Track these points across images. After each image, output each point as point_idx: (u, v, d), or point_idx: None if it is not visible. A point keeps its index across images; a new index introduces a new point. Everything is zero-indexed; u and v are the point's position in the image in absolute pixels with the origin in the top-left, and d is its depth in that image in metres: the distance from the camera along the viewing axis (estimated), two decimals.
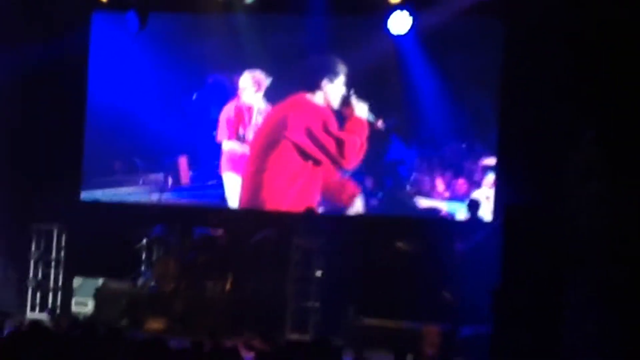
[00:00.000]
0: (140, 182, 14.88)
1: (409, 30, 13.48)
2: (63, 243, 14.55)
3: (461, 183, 13.97)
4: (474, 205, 13.63)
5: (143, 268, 14.10)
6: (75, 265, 14.31)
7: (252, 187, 14.49)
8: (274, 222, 14.03)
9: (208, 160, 14.77)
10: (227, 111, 14.63)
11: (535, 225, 10.84)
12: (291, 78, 14.39)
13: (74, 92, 14.89)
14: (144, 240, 14.08)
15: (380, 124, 14.01)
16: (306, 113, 14.27)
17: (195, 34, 14.69)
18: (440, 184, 14.05)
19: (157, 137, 14.78)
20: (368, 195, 14.24)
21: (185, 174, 14.77)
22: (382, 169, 14.32)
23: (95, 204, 14.81)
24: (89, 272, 14.06)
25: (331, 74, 14.12)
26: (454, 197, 13.98)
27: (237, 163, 14.58)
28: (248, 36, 14.41)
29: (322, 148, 14.20)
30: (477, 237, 13.21)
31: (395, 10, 13.46)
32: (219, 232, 14.03)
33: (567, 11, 12.05)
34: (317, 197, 14.27)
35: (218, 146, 14.65)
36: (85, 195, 14.93)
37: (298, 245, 13.32)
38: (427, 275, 13.07)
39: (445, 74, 13.78)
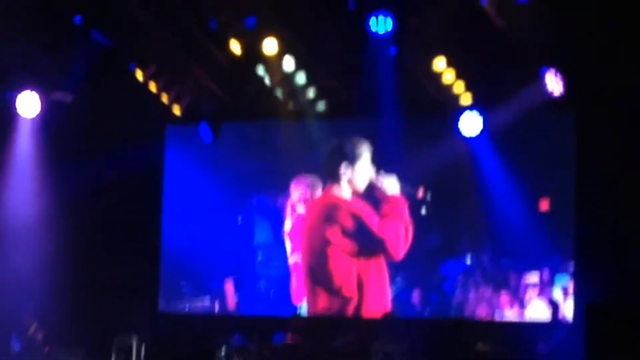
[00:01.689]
0: (187, 308, 14.97)
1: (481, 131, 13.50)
2: (142, 355, 14.56)
3: (504, 297, 13.79)
4: (554, 306, 13.41)
5: None
6: None
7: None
8: (353, 328, 13.92)
9: (252, 285, 14.75)
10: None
11: (619, 324, 10.61)
12: None
13: (150, 205, 15.12)
14: (223, 350, 14.04)
15: (421, 193, 13.46)
16: (335, 212, 13.40)
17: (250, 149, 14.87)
18: (487, 300, 13.88)
19: (204, 260, 14.87)
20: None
21: (231, 298, 14.77)
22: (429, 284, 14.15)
23: (174, 315, 14.87)
24: None
25: (349, 158, 13.40)
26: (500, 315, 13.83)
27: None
28: (318, 143, 14.37)
29: (365, 246, 13.38)
30: (558, 338, 12.97)
31: (465, 111, 13.50)
32: (298, 339, 13.95)
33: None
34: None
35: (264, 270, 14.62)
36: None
37: (378, 351, 13.18)
38: None
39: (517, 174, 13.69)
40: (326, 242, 13.42)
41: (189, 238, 15.06)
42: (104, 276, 14.87)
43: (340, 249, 13.39)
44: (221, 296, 14.79)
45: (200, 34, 13.70)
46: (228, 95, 14.55)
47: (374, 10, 12.98)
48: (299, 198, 14.23)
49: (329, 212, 13.40)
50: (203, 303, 14.89)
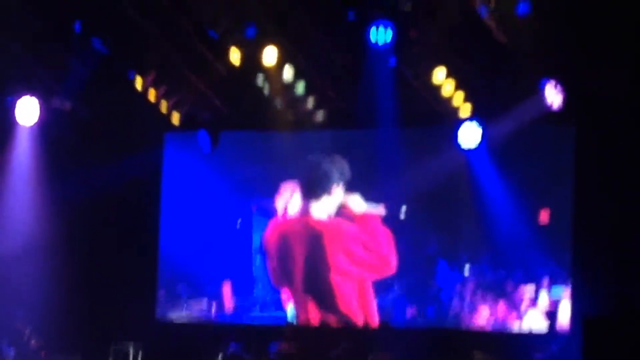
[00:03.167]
0: (184, 308, 14.98)
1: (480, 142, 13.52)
2: None
3: (501, 307, 13.82)
4: (551, 317, 13.42)
5: None
6: None
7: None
8: (350, 337, 13.92)
9: (249, 288, 14.76)
10: None
11: (616, 336, 10.61)
12: None
13: (148, 211, 15.14)
14: (220, 358, 14.04)
15: (381, 209, 13.50)
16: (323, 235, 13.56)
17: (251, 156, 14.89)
18: (484, 310, 13.89)
19: (201, 264, 14.91)
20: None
21: (228, 301, 14.79)
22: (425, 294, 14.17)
23: (171, 322, 14.88)
24: None
25: (333, 179, 13.50)
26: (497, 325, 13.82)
27: None
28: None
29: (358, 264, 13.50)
30: (555, 349, 12.99)
31: (464, 122, 13.53)
32: (294, 347, 13.95)
33: None
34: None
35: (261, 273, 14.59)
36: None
37: None
38: None
39: (516, 186, 13.70)
40: (315, 259, 13.56)
41: (186, 243, 15.09)
42: (102, 283, 14.87)
43: (332, 267, 13.49)
44: (219, 299, 14.81)
45: (199, 43, 13.71)
46: (227, 104, 14.57)
47: (374, 21, 12.98)
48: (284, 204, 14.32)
49: (315, 234, 13.54)
50: (200, 306, 14.90)
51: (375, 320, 13.70)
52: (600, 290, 12.72)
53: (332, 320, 13.71)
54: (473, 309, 13.94)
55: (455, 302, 14.05)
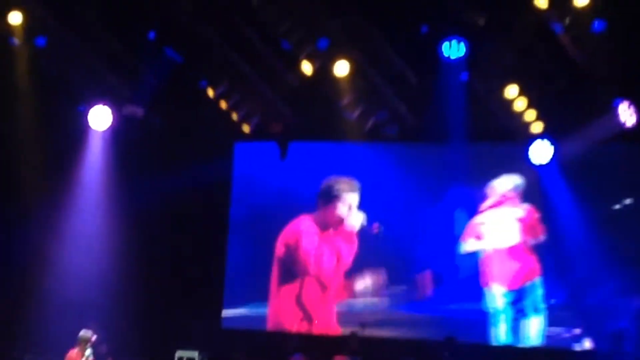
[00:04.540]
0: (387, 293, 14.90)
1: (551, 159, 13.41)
2: None
3: None
4: (617, 337, 13.20)
5: None
6: None
7: None
8: (414, 350, 13.88)
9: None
10: None
11: None
12: None
13: (216, 219, 15.27)
14: None
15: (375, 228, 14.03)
16: None
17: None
18: None
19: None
20: None
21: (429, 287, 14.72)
22: None
23: (235, 331, 14.93)
24: None
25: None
26: None
27: None
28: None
29: None
30: None
31: (536, 139, 13.42)
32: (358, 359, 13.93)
33: None
34: None
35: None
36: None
37: None
38: None
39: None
40: None
41: (253, 251, 15.14)
42: (169, 290, 14.99)
43: None
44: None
45: (271, 54, 13.74)
46: (297, 115, 14.58)
47: (447, 35, 12.92)
48: None
49: None
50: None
51: None
52: None
53: None
54: None
55: None
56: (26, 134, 14.56)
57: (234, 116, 14.61)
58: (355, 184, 14.38)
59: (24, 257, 14.90)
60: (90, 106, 14.62)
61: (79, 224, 14.84)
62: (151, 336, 14.67)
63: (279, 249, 14.67)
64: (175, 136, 15.07)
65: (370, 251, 14.44)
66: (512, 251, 13.98)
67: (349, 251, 14.43)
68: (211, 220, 15.26)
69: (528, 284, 13.84)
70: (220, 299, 15.21)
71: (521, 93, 13.32)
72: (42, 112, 14.42)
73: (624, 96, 12.80)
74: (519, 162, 13.79)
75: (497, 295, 13.99)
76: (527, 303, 13.86)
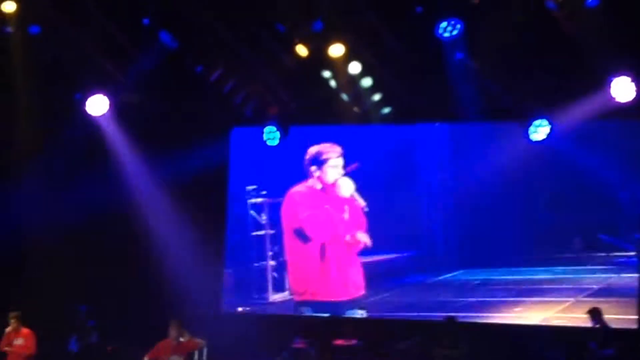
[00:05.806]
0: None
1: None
2: (204, 356, 14.61)
3: None
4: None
5: None
6: None
7: None
8: (414, 331, 13.89)
9: None
10: None
11: None
12: None
13: (214, 203, 15.33)
14: (284, 353, 14.06)
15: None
16: None
17: None
18: None
19: None
20: None
21: None
22: None
23: (236, 316, 14.93)
24: None
25: None
26: None
27: None
28: None
29: None
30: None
31: (536, 119, 13.46)
32: (358, 342, 13.94)
33: None
34: None
35: None
36: None
37: (439, 355, 13.13)
38: None
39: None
40: None
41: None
42: (167, 276, 14.96)
43: None
44: None
45: (267, 37, 13.75)
46: (294, 98, 14.58)
47: (442, 15, 12.93)
48: None
49: None
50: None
51: None
52: None
53: None
54: None
55: None
56: (23, 123, 14.59)
57: (231, 100, 14.62)
58: (338, 148, 14.34)
59: None
60: (87, 93, 14.62)
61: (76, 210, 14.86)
62: (150, 324, 14.62)
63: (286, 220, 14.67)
64: (171, 122, 15.05)
65: None
66: None
67: (349, 211, 14.44)
68: (210, 203, 15.27)
69: None
70: (220, 284, 15.21)
71: (517, 70, 13.32)
72: (39, 101, 14.44)
73: (620, 71, 12.78)
74: (517, 140, 13.80)
75: None
76: None
